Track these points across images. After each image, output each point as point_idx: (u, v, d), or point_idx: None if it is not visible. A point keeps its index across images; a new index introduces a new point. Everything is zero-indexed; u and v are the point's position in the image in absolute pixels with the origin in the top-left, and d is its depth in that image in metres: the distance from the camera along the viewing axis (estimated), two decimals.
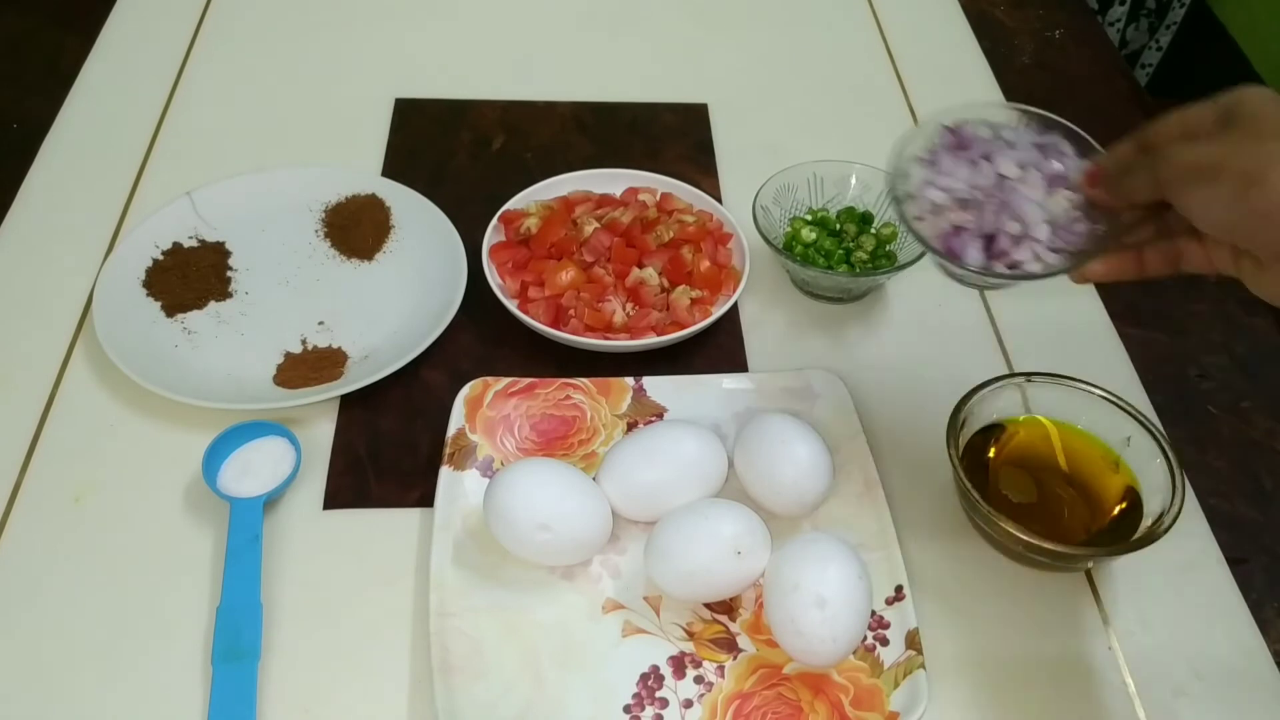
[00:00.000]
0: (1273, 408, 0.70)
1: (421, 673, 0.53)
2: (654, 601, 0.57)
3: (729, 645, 0.55)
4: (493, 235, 0.73)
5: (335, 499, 0.61)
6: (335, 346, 0.69)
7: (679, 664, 0.54)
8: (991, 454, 0.61)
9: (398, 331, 0.69)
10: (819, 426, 0.62)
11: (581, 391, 0.65)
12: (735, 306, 0.72)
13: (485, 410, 0.64)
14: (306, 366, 0.67)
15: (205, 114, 0.87)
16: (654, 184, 0.78)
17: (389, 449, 0.64)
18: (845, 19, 1.02)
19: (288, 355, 0.68)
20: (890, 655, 0.54)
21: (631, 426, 0.64)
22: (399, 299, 0.72)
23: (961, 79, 0.96)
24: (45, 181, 0.80)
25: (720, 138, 0.88)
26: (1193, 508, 0.63)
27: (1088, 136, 0.52)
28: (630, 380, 0.66)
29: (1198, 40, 1.38)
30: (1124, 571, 0.60)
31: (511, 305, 0.68)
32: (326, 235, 0.76)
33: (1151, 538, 0.53)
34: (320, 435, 0.64)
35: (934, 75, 0.96)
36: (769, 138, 0.87)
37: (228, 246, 0.75)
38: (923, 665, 0.53)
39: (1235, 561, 0.61)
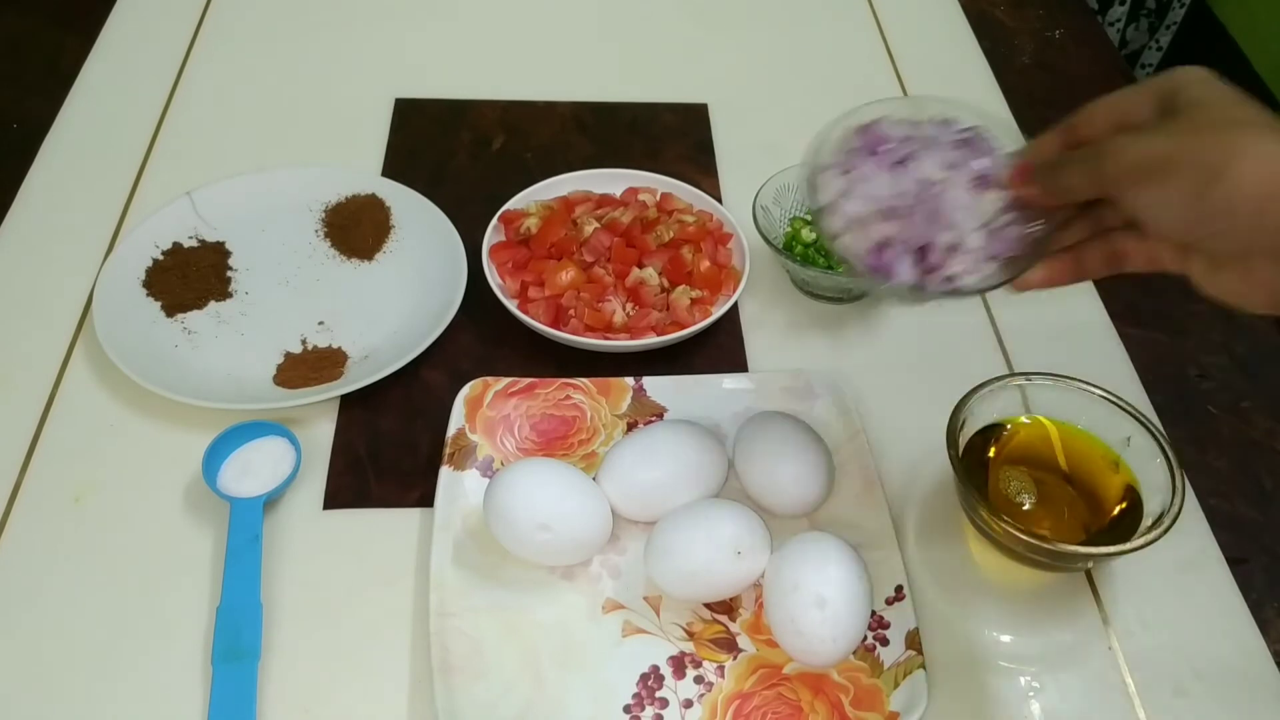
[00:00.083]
0: (1273, 408, 0.70)
1: (421, 673, 0.53)
2: (654, 601, 0.57)
3: (729, 645, 0.55)
4: (493, 235, 0.73)
5: (335, 499, 0.61)
6: (335, 346, 0.69)
7: (679, 664, 0.54)
8: (991, 454, 0.61)
9: (398, 331, 0.69)
10: (819, 426, 0.62)
11: (581, 391, 0.65)
12: (735, 306, 0.72)
13: (485, 410, 0.64)
14: (306, 366, 0.67)
15: (205, 114, 0.87)
16: (654, 184, 0.78)
17: (389, 449, 0.64)
18: (845, 19, 1.02)
19: (288, 355, 0.68)
20: (890, 655, 0.54)
21: (631, 426, 0.64)
22: (399, 299, 0.72)
23: (961, 79, 0.96)
24: (45, 181, 0.80)
25: (720, 138, 0.88)
26: (1193, 508, 0.63)
27: (1007, 127, 0.49)
28: (630, 380, 0.66)
29: (1198, 40, 1.38)
30: (1124, 571, 0.60)
31: (511, 305, 0.68)
32: (326, 235, 0.76)
33: (1151, 538, 0.53)
34: (320, 435, 0.64)
35: (934, 75, 0.96)
36: (769, 138, 0.87)
37: (228, 246, 0.75)
38: (923, 665, 0.53)
39: (1235, 561, 0.61)
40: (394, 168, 0.82)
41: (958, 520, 0.62)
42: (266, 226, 0.76)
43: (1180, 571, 0.61)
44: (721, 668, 0.54)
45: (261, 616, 0.55)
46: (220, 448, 0.61)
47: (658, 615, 0.56)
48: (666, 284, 0.71)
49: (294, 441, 0.62)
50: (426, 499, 0.60)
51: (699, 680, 0.54)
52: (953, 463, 0.57)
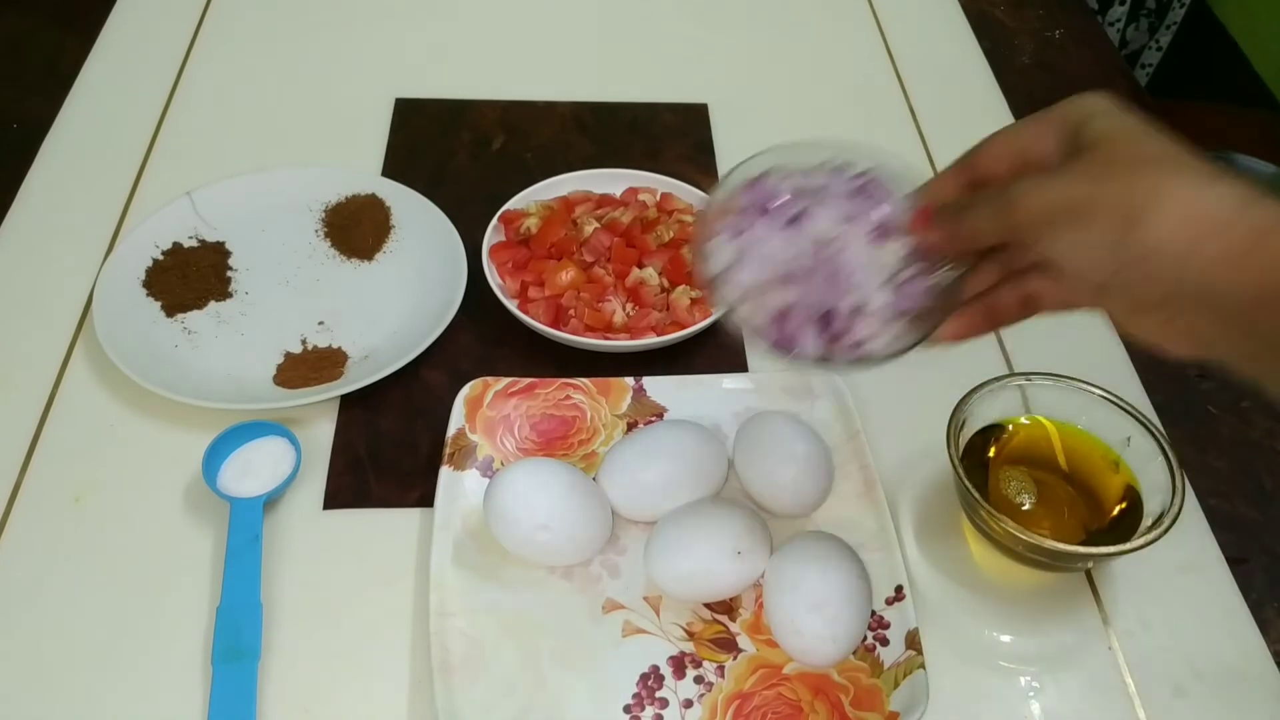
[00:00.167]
0: (1273, 408, 0.70)
1: (421, 673, 0.53)
2: (654, 601, 0.57)
3: (729, 645, 0.55)
4: (493, 235, 0.73)
5: (335, 499, 0.61)
6: (335, 346, 0.69)
7: (679, 664, 0.54)
8: (991, 454, 0.61)
9: (398, 331, 0.69)
10: (819, 426, 0.62)
11: (581, 391, 0.65)
12: None
13: (485, 410, 0.64)
14: (306, 366, 0.67)
15: (205, 114, 0.87)
16: (654, 184, 0.78)
17: (389, 449, 0.64)
18: (845, 19, 1.02)
19: (288, 355, 0.68)
20: (890, 655, 0.54)
21: (631, 426, 0.64)
22: (399, 299, 0.72)
23: (961, 79, 0.96)
24: (45, 181, 0.80)
25: (720, 138, 0.88)
26: (1193, 508, 0.63)
27: (901, 167, 0.45)
28: (630, 380, 0.66)
29: (1198, 40, 1.39)
30: (1124, 571, 0.60)
31: (511, 305, 0.68)
32: (326, 235, 0.76)
33: (1151, 538, 0.53)
34: (320, 435, 0.64)
35: (934, 75, 0.96)
36: (769, 138, 0.87)
37: (228, 246, 0.75)
38: (923, 665, 0.53)
39: (1235, 561, 0.61)
40: (394, 168, 0.82)
41: (958, 520, 0.62)
42: (266, 226, 0.76)
43: (1180, 571, 0.61)
44: (721, 668, 0.54)
45: (261, 616, 0.55)
46: (220, 448, 0.61)
47: (658, 615, 0.56)
48: (666, 284, 0.71)
49: (294, 441, 0.62)
50: (426, 499, 0.60)
51: (699, 680, 0.54)
52: (953, 463, 0.57)
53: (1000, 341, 0.73)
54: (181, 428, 0.63)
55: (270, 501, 0.60)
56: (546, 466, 0.57)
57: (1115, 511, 0.58)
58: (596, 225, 0.73)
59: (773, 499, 0.59)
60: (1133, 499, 0.58)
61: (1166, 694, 0.56)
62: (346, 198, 0.78)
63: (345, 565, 0.58)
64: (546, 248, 0.72)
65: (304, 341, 0.69)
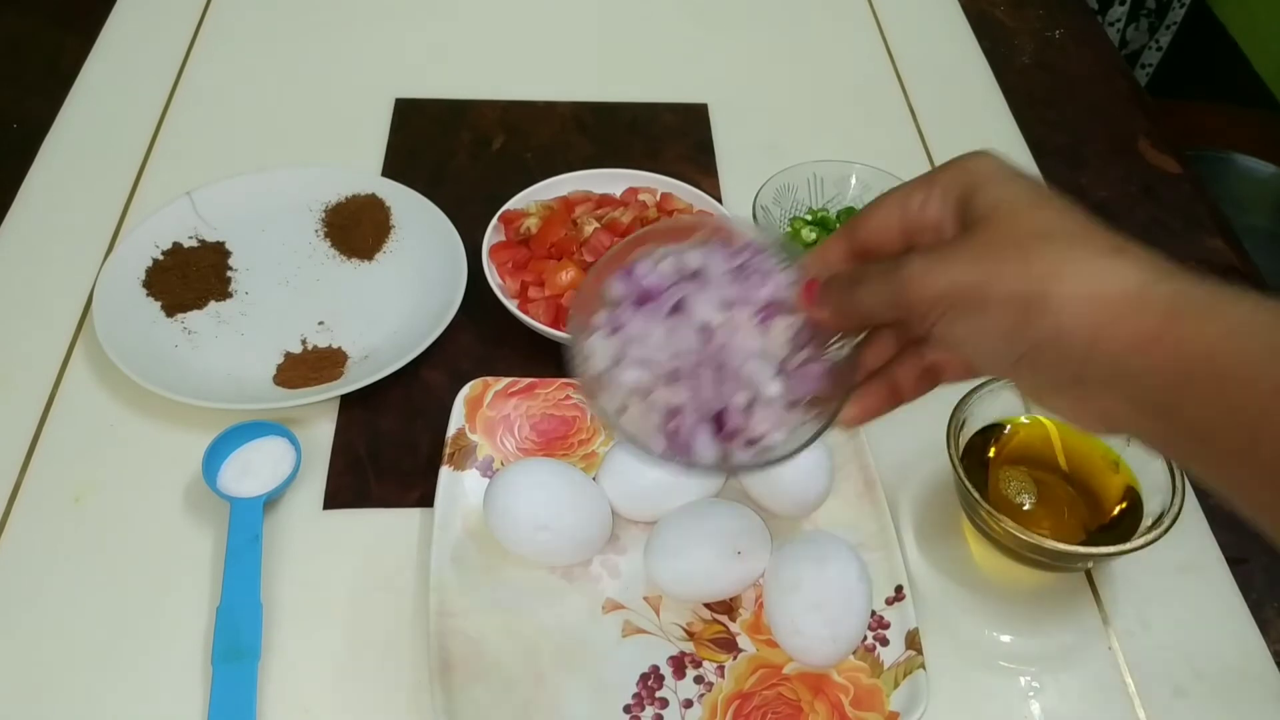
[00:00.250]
0: None
1: (421, 673, 0.53)
2: (654, 601, 0.57)
3: (729, 645, 0.55)
4: (493, 235, 0.73)
5: (335, 499, 0.61)
6: (335, 346, 0.69)
7: (679, 664, 0.54)
8: (991, 454, 0.61)
9: (398, 331, 0.69)
10: None
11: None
12: None
13: (485, 410, 0.64)
14: (306, 366, 0.67)
15: (205, 114, 0.87)
16: (654, 184, 0.78)
17: (389, 449, 0.64)
18: (845, 19, 1.02)
19: (288, 355, 0.68)
20: (890, 655, 0.54)
21: None
22: (399, 299, 0.72)
23: (961, 79, 0.96)
24: (45, 181, 0.80)
25: (720, 138, 0.88)
26: (1193, 508, 0.63)
27: (781, 236, 0.43)
28: None
29: (1198, 40, 1.39)
30: (1124, 571, 0.60)
31: (511, 305, 0.68)
32: (326, 235, 0.76)
33: (1151, 538, 0.53)
34: (320, 435, 0.64)
35: (934, 75, 0.96)
36: (769, 138, 0.87)
37: (228, 246, 0.75)
38: (923, 665, 0.53)
39: (1235, 561, 0.61)
40: (394, 168, 0.82)
41: (958, 520, 0.62)
42: (266, 226, 0.76)
43: (1180, 571, 0.61)
44: (721, 668, 0.54)
45: (261, 616, 0.55)
46: (220, 448, 0.61)
47: (658, 615, 0.56)
48: None
49: (294, 441, 0.62)
50: (426, 499, 0.60)
51: (699, 680, 0.54)
52: (953, 463, 0.57)
53: None
54: (181, 428, 0.63)
55: (270, 501, 0.60)
56: (546, 466, 0.57)
57: (1115, 511, 0.58)
58: (596, 225, 0.73)
59: (773, 499, 0.59)
60: (1133, 499, 0.58)
61: (1166, 694, 0.56)
62: (346, 198, 0.78)
63: (345, 565, 0.58)
64: (546, 248, 0.72)
65: (304, 341, 0.69)
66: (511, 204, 0.75)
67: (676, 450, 0.40)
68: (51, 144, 0.83)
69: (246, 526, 0.58)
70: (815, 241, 0.73)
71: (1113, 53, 1.03)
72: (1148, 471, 0.58)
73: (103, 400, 0.65)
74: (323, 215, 0.77)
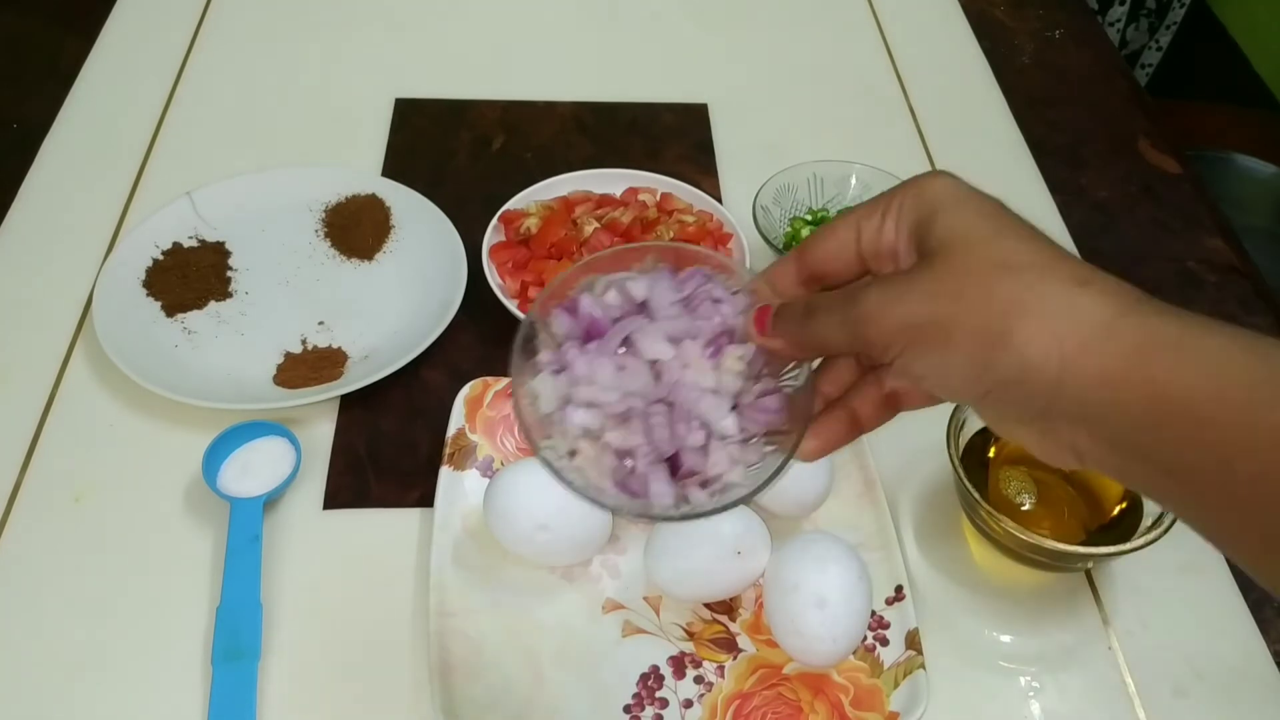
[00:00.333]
0: None
1: (421, 673, 0.53)
2: (654, 601, 0.57)
3: (729, 645, 0.55)
4: (493, 235, 0.73)
5: (335, 499, 0.61)
6: (335, 346, 0.69)
7: (679, 664, 0.54)
8: (991, 454, 0.61)
9: (398, 331, 0.69)
10: None
11: None
12: None
13: (485, 410, 0.64)
14: (306, 366, 0.67)
15: (205, 114, 0.87)
16: (654, 184, 0.78)
17: (389, 449, 0.64)
18: (845, 19, 1.02)
19: (288, 355, 0.68)
20: (890, 655, 0.54)
21: None
22: (399, 299, 0.72)
23: (961, 79, 0.96)
24: (45, 181, 0.80)
25: (720, 138, 0.88)
26: None
27: (728, 261, 0.40)
28: None
29: (1198, 40, 1.39)
30: (1124, 571, 0.60)
31: (511, 305, 0.68)
32: (326, 235, 0.76)
33: (1151, 538, 0.53)
34: (320, 435, 0.64)
35: (934, 75, 0.96)
36: (769, 138, 0.87)
37: (228, 246, 0.75)
38: (923, 665, 0.53)
39: None
40: (394, 168, 0.82)
41: (958, 520, 0.62)
42: (266, 226, 0.76)
43: (1180, 571, 0.61)
44: (721, 668, 0.54)
45: (261, 616, 0.55)
46: (220, 448, 0.61)
47: (658, 615, 0.56)
48: None
49: (294, 441, 0.62)
50: (426, 499, 0.60)
51: (699, 680, 0.54)
52: (953, 463, 0.57)
53: None
54: (181, 428, 0.63)
55: (270, 501, 0.60)
56: None
57: (1115, 511, 0.58)
58: (596, 225, 0.73)
59: (773, 499, 0.59)
60: (1133, 499, 0.58)
61: (1166, 694, 0.56)
62: (346, 198, 0.78)
63: (345, 565, 0.58)
64: (546, 248, 0.72)
65: (304, 341, 0.69)
66: (511, 204, 0.75)
67: (631, 493, 0.37)
68: (51, 144, 0.83)
69: (246, 526, 0.58)
70: None
71: (1113, 53, 1.03)
72: None
73: (103, 400, 0.65)
74: (323, 215, 0.77)
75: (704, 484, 0.38)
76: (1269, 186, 1.18)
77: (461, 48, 0.95)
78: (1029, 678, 0.56)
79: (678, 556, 0.54)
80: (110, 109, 0.86)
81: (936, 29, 1.02)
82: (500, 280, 0.71)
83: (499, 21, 0.98)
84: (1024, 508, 0.58)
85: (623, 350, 0.38)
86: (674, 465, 0.38)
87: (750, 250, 0.73)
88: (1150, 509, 0.56)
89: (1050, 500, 0.59)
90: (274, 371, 0.67)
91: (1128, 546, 0.53)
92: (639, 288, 0.39)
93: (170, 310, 0.70)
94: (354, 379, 0.65)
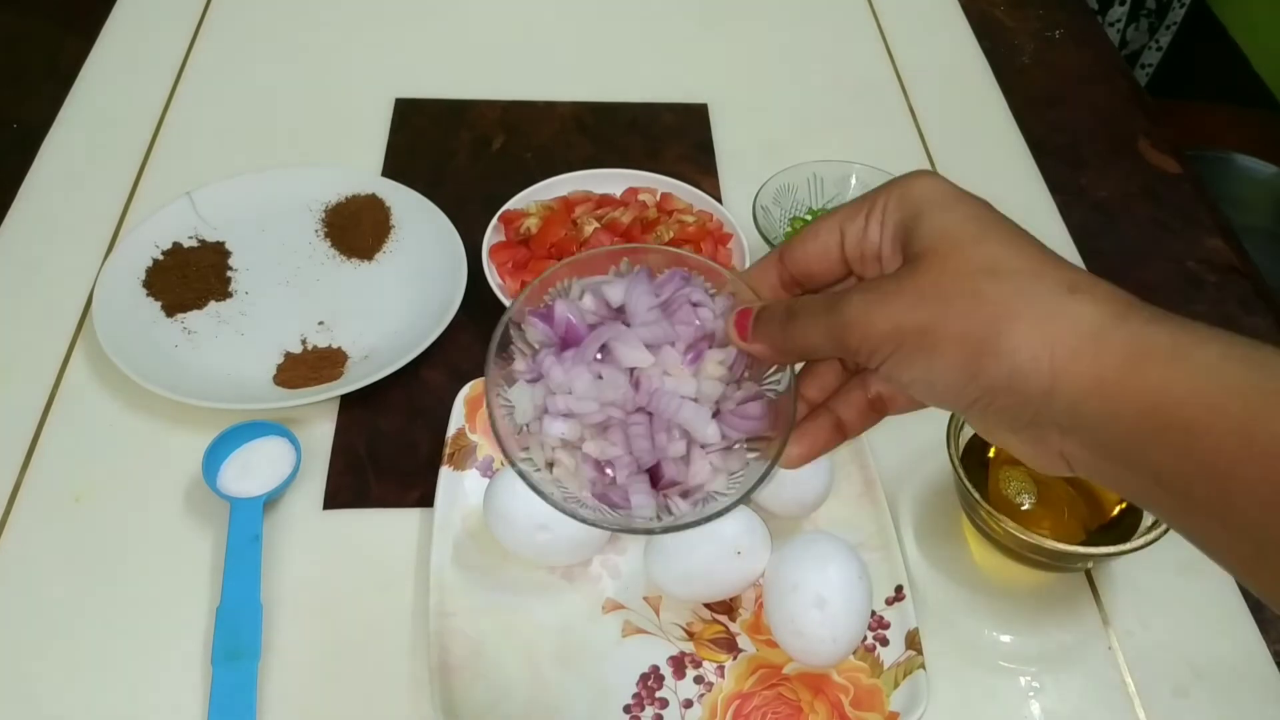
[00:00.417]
0: None
1: (421, 673, 0.53)
2: (654, 601, 0.57)
3: (729, 645, 0.55)
4: (493, 235, 0.73)
5: (335, 499, 0.61)
6: (335, 346, 0.69)
7: (679, 664, 0.54)
8: (991, 454, 0.61)
9: (398, 331, 0.69)
10: None
11: None
12: None
13: (485, 410, 0.64)
14: (306, 366, 0.67)
15: (205, 114, 0.87)
16: (654, 184, 0.78)
17: (389, 449, 0.64)
18: (845, 19, 1.02)
19: (288, 355, 0.68)
20: (890, 655, 0.54)
21: None
22: (399, 299, 0.72)
23: (961, 79, 0.96)
24: (45, 181, 0.80)
25: (720, 138, 0.88)
26: None
27: (710, 263, 0.39)
28: None
29: (1198, 40, 1.39)
30: (1124, 571, 0.60)
31: None
32: (326, 235, 0.76)
33: (1151, 538, 0.53)
34: (320, 435, 0.64)
35: (934, 75, 0.96)
36: (769, 138, 0.87)
37: (228, 246, 0.75)
38: (923, 665, 0.53)
39: None
40: (394, 168, 0.82)
41: (958, 520, 0.62)
42: (266, 226, 0.76)
43: (1180, 571, 0.61)
44: (721, 668, 0.54)
45: (261, 616, 0.55)
46: (220, 448, 0.61)
47: (658, 615, 0.56)
48: None
49: (294, 441, 0.62)
50: (426, 499, 0.60)
51: (699, 680, 0.54)
52: (953, 463, 0.57)
53: None
54: (181, 428, 0.63)
55: (270, 501, 0.60)
56: None
57: (1115, 511, 0.58)
58: (596, 225, 0.73)
59: (773, 499, 0.59)
60: None
61: (1166, 694, 0.56)
62: (346, 198, 0.78)
63: (345, 565, 0.58)
64: (546, 248, 0.72)
65: (304, 341, 0.69)
66: (511, 204, 0.75)
67: (611, 507, 0.37)
68: (51, 144, 0.83)
69: (246, 526, 0.58)
70: None
71: (1113, 53, 1.03)
72: None
73: (103, 400, 0.65)
74: (323, 215, 0.77)
75: (686, 494, 0.37)
76: (1269, 186, 1.18)
77: (461, 48, 0.95)
78: (1029, 678, 0.56)
79: (678, 556, 0.54)
80: (110, 109, 0.86)
81: (936, 29, 1.02)
82: (500, 280, 0.71)
83: (499, 21, 0.98)
84: (1024, 508, 0.58)
85: (600, 358, 0.37)
86: (655, 475, 0.37)
87: (750, 250, 0.73)
88: None
89: (1050, 500, 0.59)
90: (274, 371, 0.67)
91: (1128, 546, 0.53)
92: (615, 292, 0.38)
93: (170, 310, 0.70)
94: (354, 379, 0.65)
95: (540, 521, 0.55)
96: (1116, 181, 0.87)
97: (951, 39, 1.01)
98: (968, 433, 0.59)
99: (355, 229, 0.76)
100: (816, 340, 0.34)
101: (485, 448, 0.62)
